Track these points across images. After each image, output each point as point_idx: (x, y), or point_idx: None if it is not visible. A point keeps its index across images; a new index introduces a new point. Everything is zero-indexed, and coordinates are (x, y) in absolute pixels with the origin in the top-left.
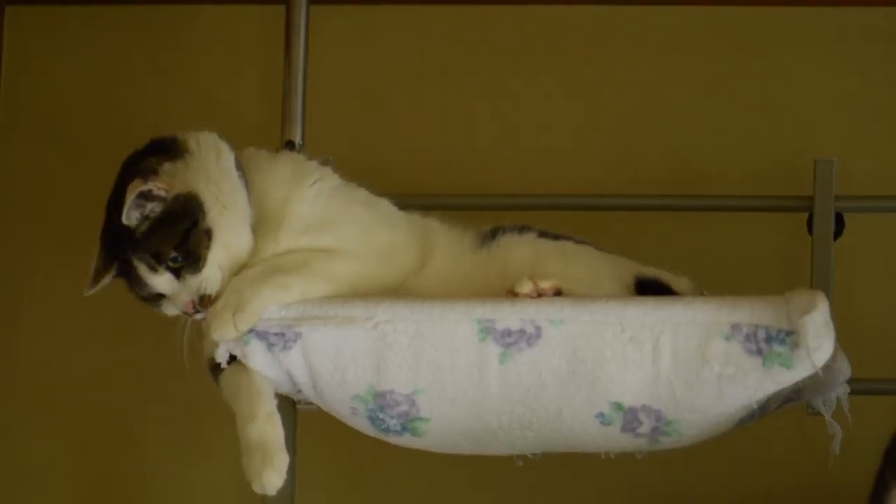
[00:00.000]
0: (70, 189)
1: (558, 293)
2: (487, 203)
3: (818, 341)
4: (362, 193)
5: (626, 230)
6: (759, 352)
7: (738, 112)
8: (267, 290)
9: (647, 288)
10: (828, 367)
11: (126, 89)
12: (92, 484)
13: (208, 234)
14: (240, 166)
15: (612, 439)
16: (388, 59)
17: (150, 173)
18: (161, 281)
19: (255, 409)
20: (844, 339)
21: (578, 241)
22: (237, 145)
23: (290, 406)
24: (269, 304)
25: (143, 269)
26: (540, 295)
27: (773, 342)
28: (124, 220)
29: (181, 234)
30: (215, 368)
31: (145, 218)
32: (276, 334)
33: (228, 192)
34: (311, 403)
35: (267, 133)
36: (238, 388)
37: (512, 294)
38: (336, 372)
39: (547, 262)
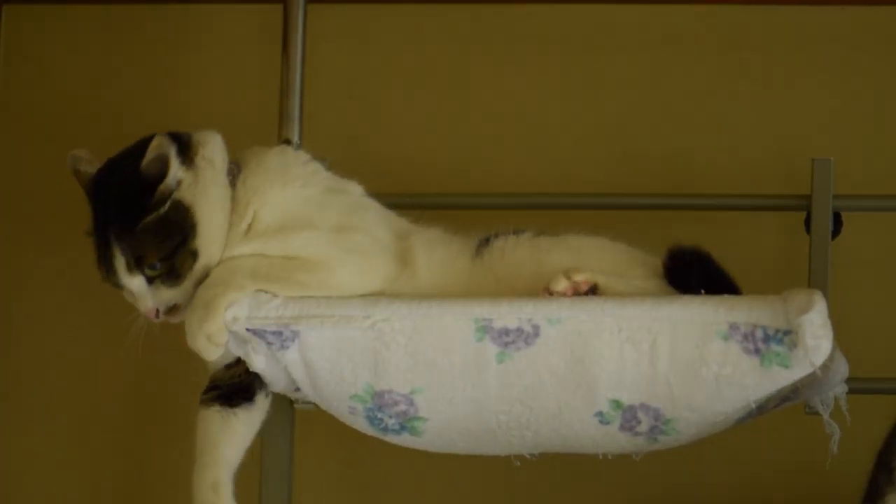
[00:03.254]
0: (69, 188)
1: (593, 290)
2: (486, 202)
3: (816, 341)
4: (322, 192)
5: (624, 229)
6: (757, 351)
7: (737, 111)
8: (233, 294)
9: (683, 260)
10: (826, 367)
11: (124, 88)
12: (92, 484)
13: (194, 255)
14: (236, 163)
15: (611, 438)
16: (386, 58)
17: (180, 153)
18: (132, 282)
19: (205, 475)
20: (842, 339)
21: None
22: (235, 145)
23: (287, 405)
24: (233, 314)
25: (119, 263)
26: (576, 292)
27: (771, 342)
28: (143, 165)
29: (170, 248)
30: (205, 392)
31: (148, 208)
32: (273, 333)
33: (219, 211)
34: (309, 402)
35: (264, 132)
36: (205, 438)
37: (547, 293)
38: (334, 371)
39: (552, 257)
